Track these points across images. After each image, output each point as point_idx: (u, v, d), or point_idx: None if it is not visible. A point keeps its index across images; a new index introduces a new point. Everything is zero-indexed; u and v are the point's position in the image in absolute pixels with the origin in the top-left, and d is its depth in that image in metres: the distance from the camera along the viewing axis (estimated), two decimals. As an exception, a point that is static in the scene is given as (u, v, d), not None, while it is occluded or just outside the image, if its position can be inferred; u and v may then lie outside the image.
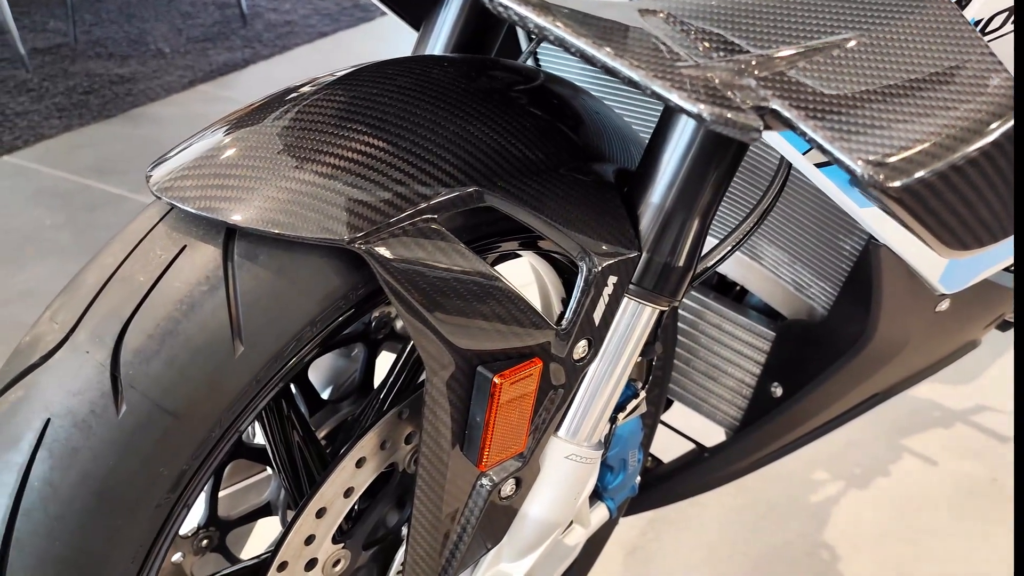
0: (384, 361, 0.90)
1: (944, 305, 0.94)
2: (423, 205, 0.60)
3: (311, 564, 0.71)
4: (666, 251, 0.69)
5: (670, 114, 0.68)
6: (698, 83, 0.43)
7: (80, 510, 0.54)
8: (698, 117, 0.42)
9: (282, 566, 0.69)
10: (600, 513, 0.92)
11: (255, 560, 0.77)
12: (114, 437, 0.54)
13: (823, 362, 0.99)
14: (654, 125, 0.70)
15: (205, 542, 0.86)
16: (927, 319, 0.95)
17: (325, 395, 0.92)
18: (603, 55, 0.44)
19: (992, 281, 1.00)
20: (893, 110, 0.44)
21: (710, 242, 0.73)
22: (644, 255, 0.69)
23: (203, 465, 0.59)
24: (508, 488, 0.72)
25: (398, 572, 0.80)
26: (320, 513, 0.69)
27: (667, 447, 1.16)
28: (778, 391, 1.04)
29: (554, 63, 1.07)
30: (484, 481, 0.71)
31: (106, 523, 0.55)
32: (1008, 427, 1.76)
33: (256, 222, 0.56)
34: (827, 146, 0.41)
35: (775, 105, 0.43)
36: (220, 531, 0.87)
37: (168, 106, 3.02)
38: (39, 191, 2.44)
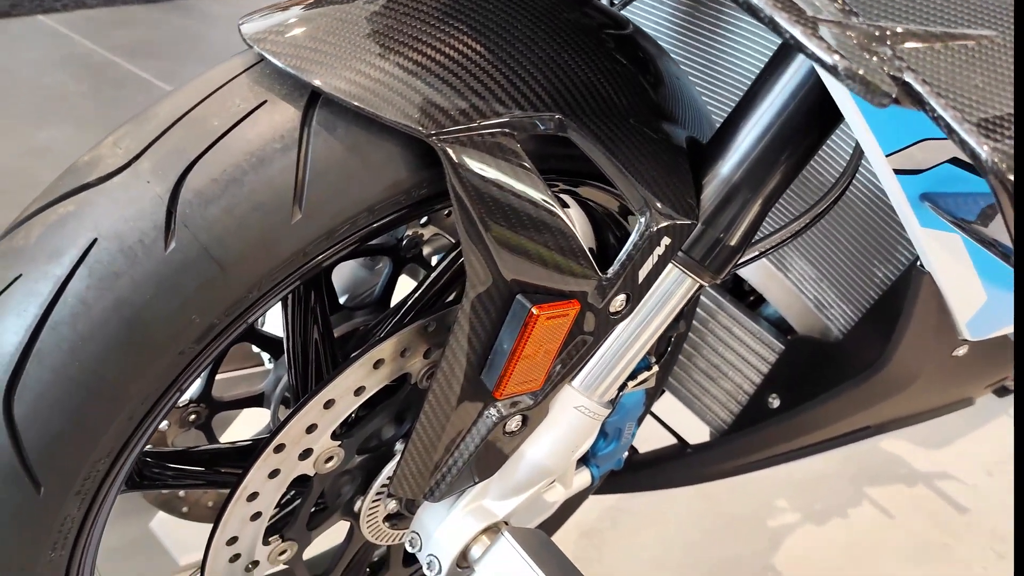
0: (402, 286, 0.90)
1: (961, 351, 0.95)
2: (507, 119, 0.59)
3: (306, 454, 0.70)
4: (721, 226, 0.69)
5: (756, 91, 0.68)
6: (836, 37, 0.43)
7: (108, 335, 0.53)
8: (832, 68, 0.42)
9: (279, 448, 0.68)
10: (583, 477, 0.92)
11: (250, 441, 0.77)
12: (157, 271, 0.53)
13: (828, 383, 1.00)
14: (726, 106, 0.69)
15: (193, 416, 0.86)
16: (942, 361, 0.95)
17: (342, 301, 0.92)
18: (747, -9, 0.44)
19: (1011, 339, 1.01)
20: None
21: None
22: (700, 225, 0.69)
23: (232, 324, 0.58)
24: (514, 424, 0.72)
25: (383, 485, 0.80)
26: (328, 404, 0.68)
27: (646, 438, 1.16)
28: (775, 403, 1.05)
29: (642, 24, 1.06)
30: (492, 411, 0.70)
31: (129, 355, 0.54)
32: (968, 500, 1.78)
33: (341, 92, 0.55)
34: (954, 125, 0.41)
35: (908, 77, 0.42)
36: (210, 409, 0.87)
37: (217, 4, 2.99)
38: (69, 57, 2.41)
